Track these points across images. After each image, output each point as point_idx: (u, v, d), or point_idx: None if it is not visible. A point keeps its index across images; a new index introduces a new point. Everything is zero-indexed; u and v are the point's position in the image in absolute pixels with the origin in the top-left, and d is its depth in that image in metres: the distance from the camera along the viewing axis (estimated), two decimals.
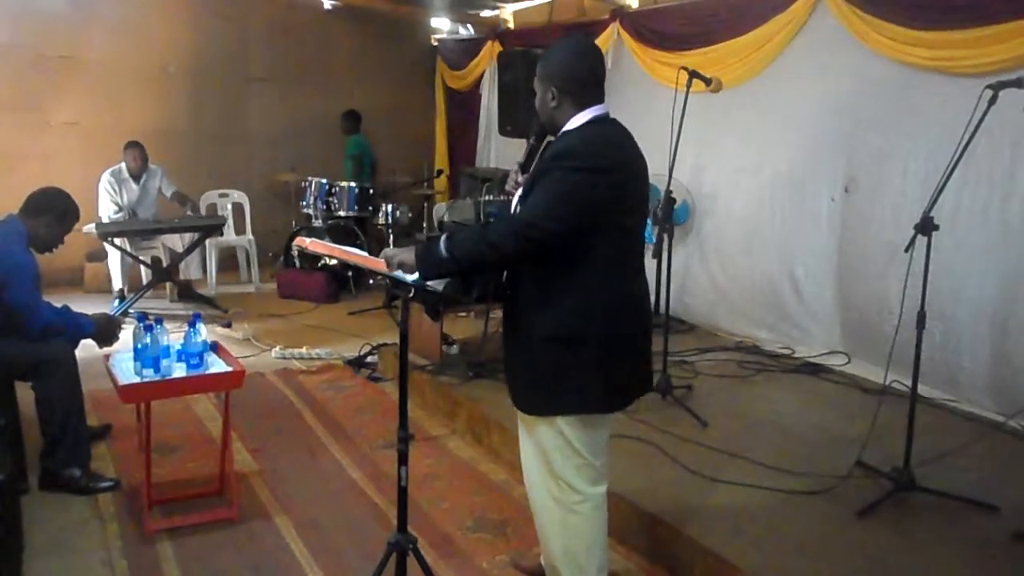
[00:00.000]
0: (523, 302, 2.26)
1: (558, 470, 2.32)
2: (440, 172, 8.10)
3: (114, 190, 6.14)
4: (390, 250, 2.21)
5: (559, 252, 2.14)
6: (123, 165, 6.21)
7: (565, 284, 2.18)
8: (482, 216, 5.50)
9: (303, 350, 5.31)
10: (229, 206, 7.32)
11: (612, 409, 2.35)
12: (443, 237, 2.11)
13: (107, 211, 6.11)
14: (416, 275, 2.12)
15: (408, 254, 2.15)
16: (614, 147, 2.22)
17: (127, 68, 7.25)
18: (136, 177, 6.25)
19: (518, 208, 2.28)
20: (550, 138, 2.35)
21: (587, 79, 2.23)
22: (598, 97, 2.25)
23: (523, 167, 2.42)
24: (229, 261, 7.50)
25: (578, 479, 2.33)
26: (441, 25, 8.40)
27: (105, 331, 3.45)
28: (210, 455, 3.53)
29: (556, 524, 2.38)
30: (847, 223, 4.74)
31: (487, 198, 5.77)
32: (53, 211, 3.46)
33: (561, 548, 2.39)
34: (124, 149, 6.19)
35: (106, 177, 6.14)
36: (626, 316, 2.26)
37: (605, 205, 2.14)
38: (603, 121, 2.25)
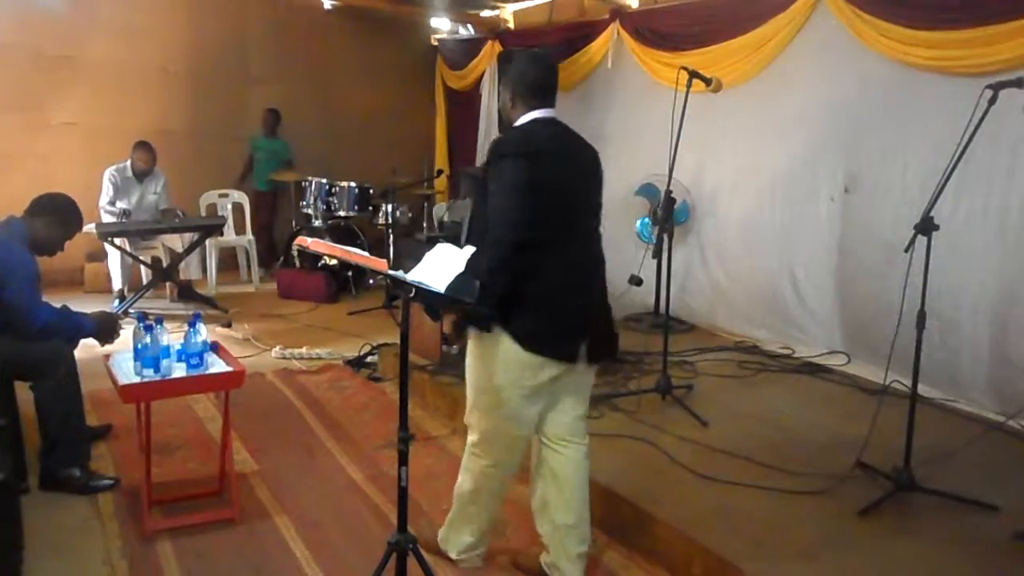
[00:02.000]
0: None
1: (470, 418, 2.60)
2: (440, 172, 8.10)
3: (115, 186, 6.15)
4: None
5: None
6: (128, 163, 6.22)
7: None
8: None
9: (303, 350, 5.31)
10: (229, 206, 7.32)
11: (541, 351, 2.43)
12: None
13: (103, 200, 6.10)
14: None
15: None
16: (540, 138, 2.47)
17: (127, 68, 7.25)
18: (139, 177, 6.26)
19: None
20: None
21: (537, 85, 2.52)
22: (546, 103, 2.53)
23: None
24: (229, 261, 7.51)
25: (485, 435, 2.58)
26: (441, 25, 8.40)
27: (105, 328, 3.45)
28: (210, 455, 3.53)
29: (464, 458, 2.68)
30: (847, 223, 4.74)
31: None
32: (54, 212, 3.46)
33: (460, 479, 2.70)
34: (133, 148, 6.20)
35: (110, 171, 6.15)
36: (564, 283, 2.44)
37: (541, 175, 2.37)
38: (544, 121, 2.51)
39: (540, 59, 2.59)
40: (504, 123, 2.61)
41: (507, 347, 2.41)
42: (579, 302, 2.49)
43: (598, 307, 2.59)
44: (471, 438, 2.64)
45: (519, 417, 2.52)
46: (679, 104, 3.70)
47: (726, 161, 5.44)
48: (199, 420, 4.12)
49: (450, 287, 2.07)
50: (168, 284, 6.53)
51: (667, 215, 4.09)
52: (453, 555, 2.78)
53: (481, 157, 8.05)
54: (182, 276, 6.44)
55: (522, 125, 2.51)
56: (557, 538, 2.63)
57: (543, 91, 2.52)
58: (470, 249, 2.15)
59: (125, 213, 6.17)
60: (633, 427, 3.65)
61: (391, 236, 6.76)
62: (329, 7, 7.95)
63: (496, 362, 2.45)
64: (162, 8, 7.41)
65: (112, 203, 6.12)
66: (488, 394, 2.51)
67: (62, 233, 3.51)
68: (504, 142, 2.47)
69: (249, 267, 7.35)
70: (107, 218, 6.06)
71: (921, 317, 2.93)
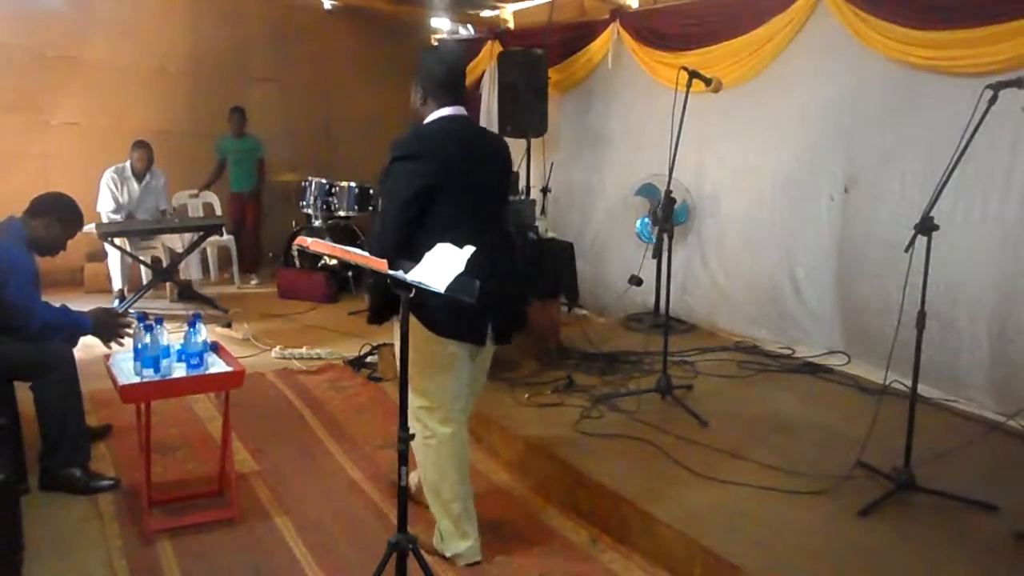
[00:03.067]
0: None
1: (416, 406, 2.71)
2: None
3: (116, 187, 6.15)
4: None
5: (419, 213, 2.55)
6: (127, 164, 6.23)
7: (417, 239, 2.47)
8: None
9: (303, 350, 5.31)
10: (200, 206, 7.31)
11: (450, 336, 2.64)
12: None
13: (105, 207, 6.12)
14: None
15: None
16: (434, 138, 2.60)
17: (127, 68, 7.25)
18: (139, 177, 6.26)
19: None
20: None
21: (445, 82, 2.64)
22: (456, 99, 2.66)
23: None
24: (223, 261, 7.52)
25: (428, 416, 2.74)
26: (441, 25, 8.39)
27: (104, 325, 3.40)
28: (210, 455, 3.53)
29: (419, 454, 2.80)
30: (847, 223, 4.74)
31: None
32: (54, 212, 3.46)
33: (423, 475, 2.83)
34: (131, 148, 6.20)
35: (109, 173, 6.16)
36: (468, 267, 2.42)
37: (425, 181, 2.52)
38: (450, 118, 2.63)
39: (447, 58, 2.73)
40: (416, 120, 2.69)
41: (420, 332, 2.57)
42: (485, 287, 2.42)
43: (506, 289, 2.66)
44: (421, 420, 2.74)
45: (450, 376, 2.72)
46: (679, 104, 3.70)
47: (726, 161, 5.44)
48: (199, 420, 4.12)
49: (450, 287, 2.07)
50: (168, 284, 6.53)
51: (667, 215, 4.09)
52: (448, 554, 2.79)
53: None
54: (182, 276, 6.45)
55: (426, 124, 2.64)
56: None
57: (451, 89, 2.65)
58: (470, 249, 2.15)
59: (130, 215, 6.17)
60: (633, 427, 3.65)
61: None
62: (329, 7, 7.94)
63: (416, 344, 2.57)
64: (162, 8, 7.41)
65: (116, 211, 6.12)
66: (420, 372, 2.64)
67: (62, 233, 3.50)
68: (395, 144, 2.57)
69: (232, 265, 7.34)
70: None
71: (921, 317, 2.93)
